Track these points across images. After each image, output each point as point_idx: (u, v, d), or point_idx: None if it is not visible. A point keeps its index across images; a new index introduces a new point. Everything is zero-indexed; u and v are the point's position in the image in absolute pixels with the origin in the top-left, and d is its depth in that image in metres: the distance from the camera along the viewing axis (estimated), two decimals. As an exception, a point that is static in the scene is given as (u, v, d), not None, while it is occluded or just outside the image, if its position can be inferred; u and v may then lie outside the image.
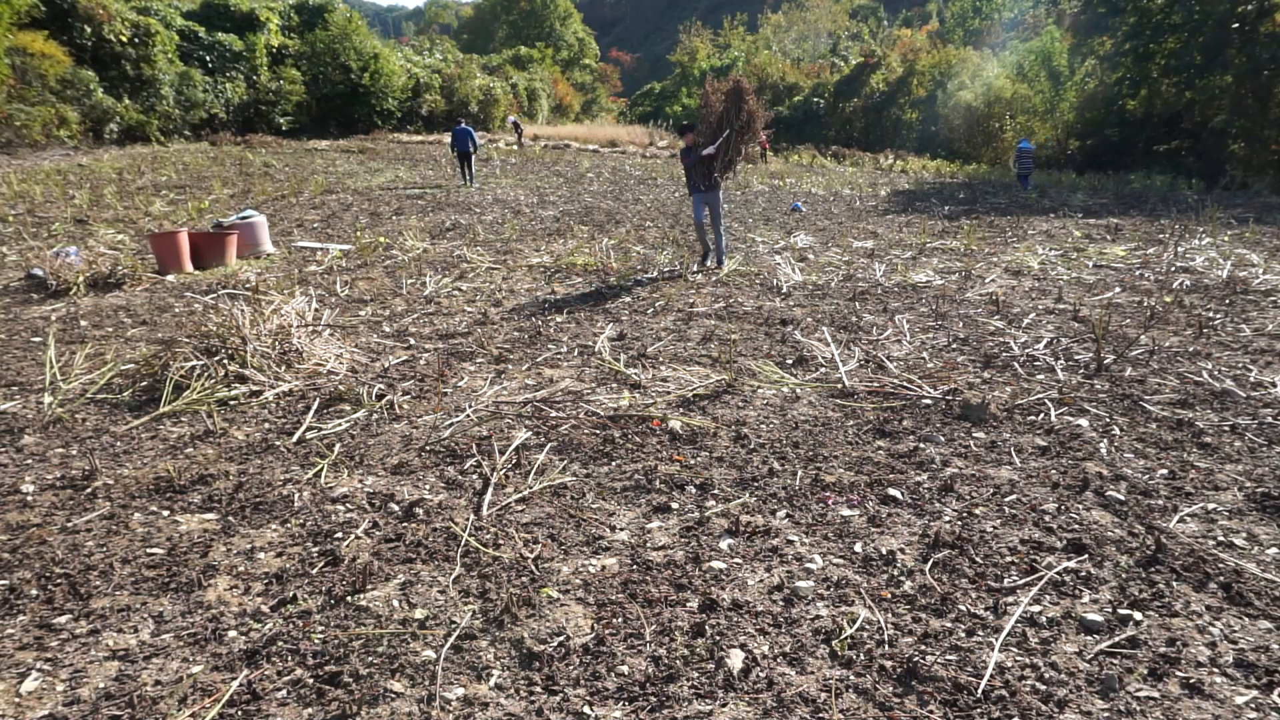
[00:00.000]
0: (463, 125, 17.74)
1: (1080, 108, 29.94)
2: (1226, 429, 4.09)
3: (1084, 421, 4.22)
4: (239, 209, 12.57)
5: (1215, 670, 2.30)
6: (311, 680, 2.27)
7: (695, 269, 8.71)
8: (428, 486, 3.55)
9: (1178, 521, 3.15)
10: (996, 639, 2.42)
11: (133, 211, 12.51)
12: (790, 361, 5.39)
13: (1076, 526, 3.12)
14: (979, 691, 2.20)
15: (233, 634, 2.50)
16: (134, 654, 2.41)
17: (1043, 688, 2.22)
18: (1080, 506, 3.29)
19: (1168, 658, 2.34)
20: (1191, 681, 2.25)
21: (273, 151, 24.65)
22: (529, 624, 2.53)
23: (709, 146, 8.14)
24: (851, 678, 2.28)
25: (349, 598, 2.67)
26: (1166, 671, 2.29)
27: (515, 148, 30.46)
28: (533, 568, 2.86)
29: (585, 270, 8.62)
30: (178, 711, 2.16)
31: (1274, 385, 4.70)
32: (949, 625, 2.51)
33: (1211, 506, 3.27)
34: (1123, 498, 3.36)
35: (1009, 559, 2.89)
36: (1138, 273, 8.35)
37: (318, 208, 13.74)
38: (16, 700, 2.23)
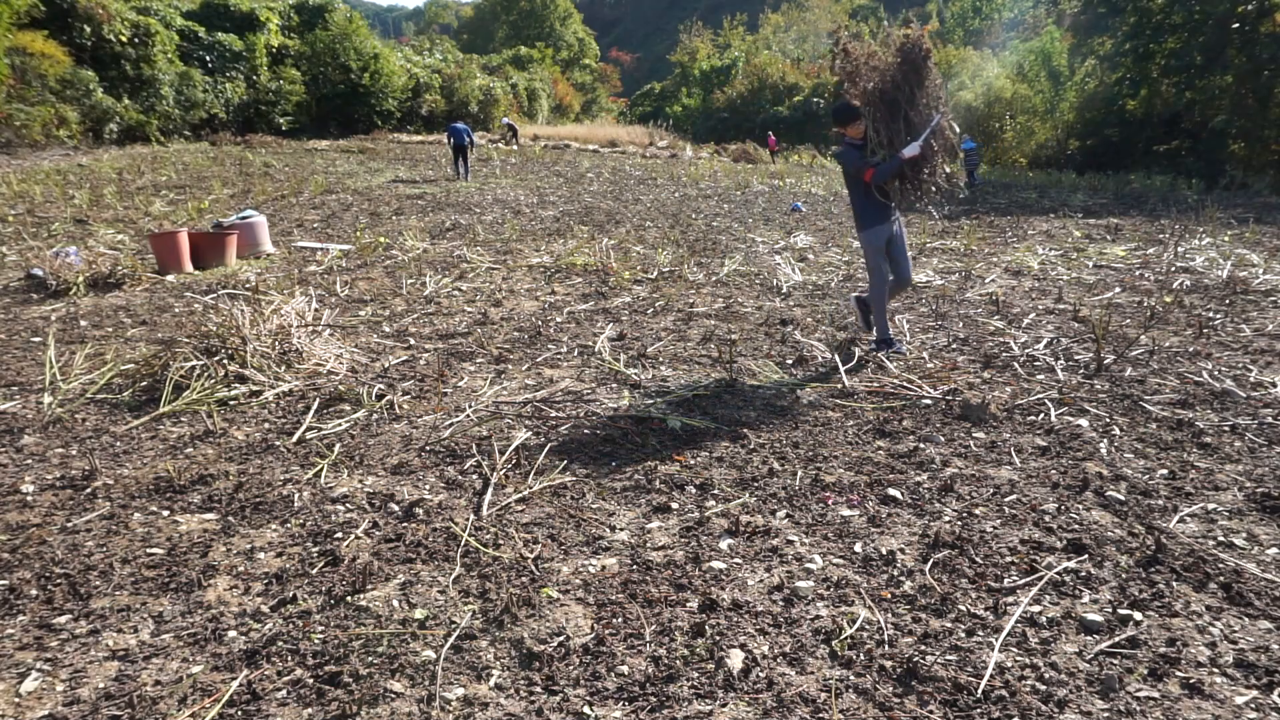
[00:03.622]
0: (459, 123, 19.78)
1: (1080, 108, 29.94)
2: (1226, 429, 4.09)
3: (1084, 421, 4.22)
4: (239, 209, 12.57)
5: (1215, 670, 2.30)
6: (311, 680, 2.27)
7: (865, 353, 5.49)
8: (428, 486, 3.55)
9: (1178, 521, 3.15)
10: (996, 639, 2.42)
11: (133, 211, 12.51)
12: (790, 361, 5.39)
13: (1076, 526, 3.12)
14: (979, 691, 2.20)
15: (233, 634, 2.50)
16: (134, 654, 2.41)
17: (1043, 688, 2.22)
18: (1080, 506, 3.29)
19: (1168, 658, 2.34)
20: (1191, 681, 2.25)
21: (273, 151, 24.65)
22: (529, 624, 2.53)
23: (913, 143, 4.90)
24: (851, 678, 2.28)
25: (349, 598, 2.67)
26: (1166, 671, 2.29)
27: (512, 148, 30.44)
28: (533, 568, 2.86)
29: (585, 270, 8.62)
30: (178, 711, 2.16)
31: (1274, 385, 4.70)
32: (949, 625, 2.51)
33: (1211, 506, 3.27)
34: (1123, 498, 3.36)
35: (1009, 559, 2.89)
36: (1138, 273, 8.35)
37: (318, 208, 13.74)
38: (16, 700, 2.23)
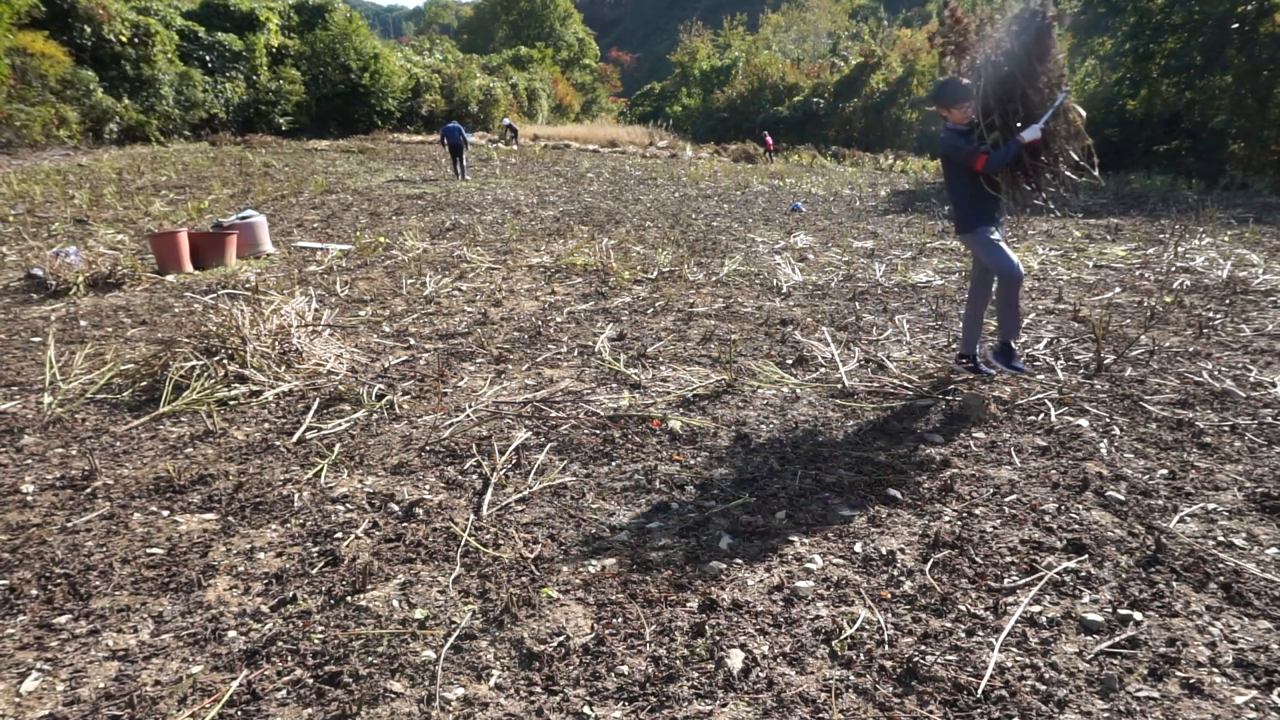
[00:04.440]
0: (453, 124, 20.03)
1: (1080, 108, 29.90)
2: (1226, 429, 4.09)
3: (1084, 421, 4.22)
4: (239, 209, 12.57)
5: (1215, 670, 2.30)
6: (311, 680, 2.27)
7: (970, 369, 4.90)
8: (428, 486, 3.55)
9: (1178, 521, 3.15)
10: (996, 639, 2.42)
11: (133, 211, 12.51)
12: (790, 361, 5.39)
13: (1076, 526, 3.12)
14: (979, 691, 2.20)
15: (233, 634, 2.50)
16: (134, 654, 2.41)
17: (1043, 688, 2.22)
18: (1080, 506, 3.29)
19: (1168, 658, 2.34)
20: (1191, 681, 2.25)
21: (273, 151, 24.66)
22: (529, 624, 2.53)
23: (1034, 126, 4.13)
24: (851, 678, 2.28)
25: (349, 598, 2.67)
26: (1166, 671, 2.29)
27: (512, 148, 30.46)
28: (533, 568, 2.86)
29: (585, 270, 8.62)
30: (178, 711, 2.16)
31: (1274, 385, 4.70)
32: (949, 625, 2.51)
33: (1211, 506, 3.27)
34: (1123, 498, 3.36)
35: (1009, 559, 2.89)
36: (1138, 273, 8.35)
37: (318, 208, 13.74)
38: (16, 700, 2.23)
